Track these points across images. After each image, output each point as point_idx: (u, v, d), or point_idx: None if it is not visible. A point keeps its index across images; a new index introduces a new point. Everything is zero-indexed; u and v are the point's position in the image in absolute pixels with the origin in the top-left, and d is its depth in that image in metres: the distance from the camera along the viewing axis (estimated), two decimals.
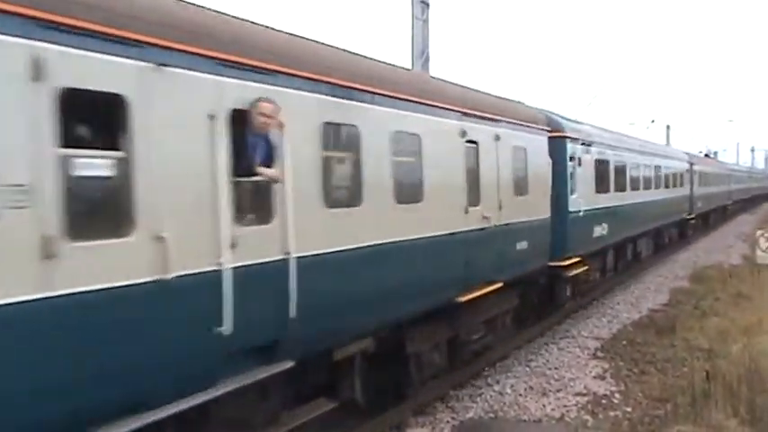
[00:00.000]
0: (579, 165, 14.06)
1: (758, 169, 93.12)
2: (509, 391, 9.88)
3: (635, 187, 19.37)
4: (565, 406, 9.24)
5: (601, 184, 15.75)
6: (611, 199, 16.46)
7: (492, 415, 8.97)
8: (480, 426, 8.62)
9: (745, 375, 8.79)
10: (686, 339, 12.11)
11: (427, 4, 15.20)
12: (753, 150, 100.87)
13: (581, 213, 13.90)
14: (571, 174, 13.70)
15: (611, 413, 8.90)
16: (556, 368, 11.04)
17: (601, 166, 15.87)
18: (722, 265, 22.24)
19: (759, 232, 19.93)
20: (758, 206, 61.99)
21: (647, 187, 20.96)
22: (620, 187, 17.62)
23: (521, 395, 9.70)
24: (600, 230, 15.35)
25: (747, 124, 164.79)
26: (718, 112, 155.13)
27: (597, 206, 15.13)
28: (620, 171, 17.86)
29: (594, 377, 10.55)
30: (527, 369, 11.00)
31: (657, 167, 22.99)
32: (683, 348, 11.57)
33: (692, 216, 30.28)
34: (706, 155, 48.54)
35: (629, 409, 8.99)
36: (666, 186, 24.28)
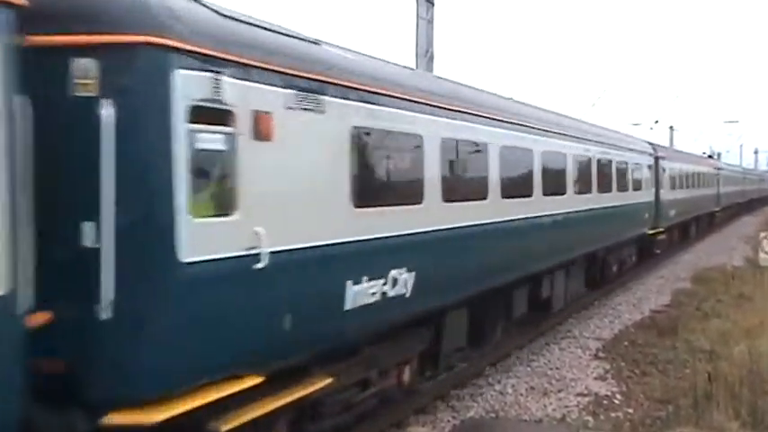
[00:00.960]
0: (261, 137, 5.53)
1: (758, 170, 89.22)
2: (510, 390, 9.87)
3: (523, 192, 10.83)
4: (566, 406, 9.23)
5: (379, 189, 7.31)
6: (423, 216, 7.85)
7: (493, 415, 8.96)
8: (481, 425, 8.61)
9: (747, 377, 8.78)
10: (688, 341, 12.08)
11: (432, 3, 15.20)
12: (756, 152, 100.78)
13: (261, 263, 5.41)
14: (206, 163, 5.12)
15: (613, 414, 8.88)
16: (557, 368, 11.02)
17: (382, 146, 7.32)
18: (724, 266, 22.16)
19: (762, 234, 19.93)
20: (758, 209, 61.41)
21: (556, 191, 12.13)
22: (467, 192, 9.05)
23: (522, 395, 9.69)
24: (376, 288, 6.90)
25: (752, 126, 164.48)
26: (723, 114, 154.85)
27: (358, 237, 6.67)
28: (470, 161, 9.29)
29: (596, 378, 10.54)
30: (528, 369, 10.99)
31: (586, 161, 14.27)
32: (684, 350, 11.55)
33: (660, 230, 21.72)
34: (709, 156, 48.22)
35: (630, 411, 8.98)
36: (606, 190, 15.46)
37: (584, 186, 14.01)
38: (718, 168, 39.60)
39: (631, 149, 19.11)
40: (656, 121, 49.61)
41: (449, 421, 8.70)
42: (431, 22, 15.04)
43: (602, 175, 15.32)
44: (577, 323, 14.40)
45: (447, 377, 9.92)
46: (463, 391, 9.80)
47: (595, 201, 14.66)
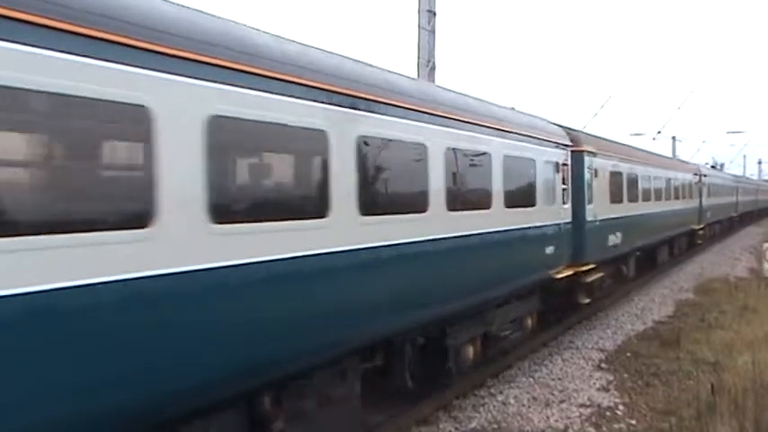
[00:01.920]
0: None
1: (756, 179, 76.38)
2: (512, 401, 9.83)
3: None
4: (568, 417, 9.19)
5: None
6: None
7: (495, 426, 8.91)
8: None
9: (751, 389, 8.73)
10: (691, 352, 12.04)
11: (434, 14, 15.23)
12: (760, 163, 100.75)
13: None
14: None
15: (616, 425, 8.83)
16: (559, 379, 10.97)
17: None
18: (728, 277, 22.13)
19: (766, 245, 19.86)
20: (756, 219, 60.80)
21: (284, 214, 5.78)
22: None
23: (524, 406, 9.64)
24: None
25: (756, 137, 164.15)
26: (726, 125, 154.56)
27: None
28: None
29: (598, 389, 10.48)
30: (531, 380, 10.94)
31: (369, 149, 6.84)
32: (688, 361, 11.51)
33: (590, 266, 14.01)
34: (712, 166, 48.03)
35: (633, 422, 8.93)
36: (415, 209, 7.74)
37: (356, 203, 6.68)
38: (701, 174, 31.10)
39: (508, 132, 10.33)
40: (659, 132, 49.38)
41: None
42: (433, 32, 15.07)
43: (405, 180, 7.75)
44: (580, 334, 14.34)
45: (449, 388, 9.86)
46: (465, 401, 9.76)
47: (371, 232, 6.87)
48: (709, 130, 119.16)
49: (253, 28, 6.20)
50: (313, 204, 6.24)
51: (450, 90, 9.66)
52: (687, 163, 32.94)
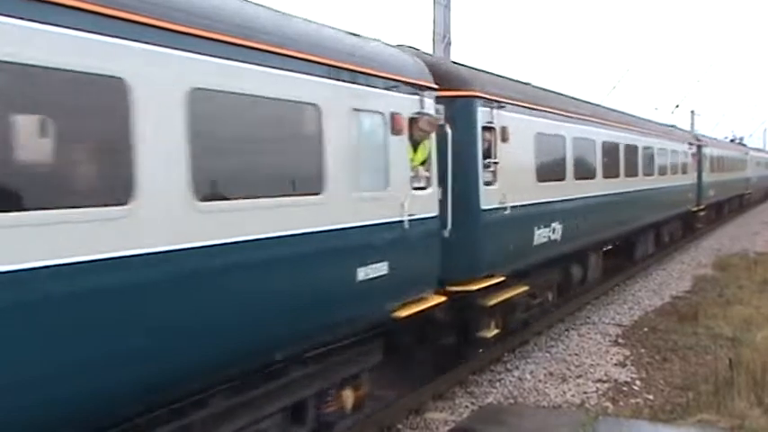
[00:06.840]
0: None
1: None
2: (529, 376, 9.85)
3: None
4: (585, 392, 9.20)
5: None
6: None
7: (511, 400, 8.95)
8: (499, 411, 8.58)
9: None
10: (709, 327, 11.99)
11: None
12: None
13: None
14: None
15: (633, 400, 8.84)
16: (576, 354, 10.98)
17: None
18: (747, 252, 21.95)
19: None
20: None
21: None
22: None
23: (540, 381, 9.67)
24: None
25: None
26: (746, 98, 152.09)
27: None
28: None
29: (615, 364, 10.48)
30: (547, 355, 10.95)
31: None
32: (705, 336, 11.47)
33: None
34: (731, 140, 47.30)
35: (650, 397, 8.93)
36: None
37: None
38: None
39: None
40: (677, 106, 48.75)
41: (467, 407, 8.70)
42: (447, 7, 14.89)
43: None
44: (596, 309, 14.32)
45: (466, 363, 9.91)
46: (482, 377, 9.80)
47: None
48: (729, 104, 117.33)
49: None
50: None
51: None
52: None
